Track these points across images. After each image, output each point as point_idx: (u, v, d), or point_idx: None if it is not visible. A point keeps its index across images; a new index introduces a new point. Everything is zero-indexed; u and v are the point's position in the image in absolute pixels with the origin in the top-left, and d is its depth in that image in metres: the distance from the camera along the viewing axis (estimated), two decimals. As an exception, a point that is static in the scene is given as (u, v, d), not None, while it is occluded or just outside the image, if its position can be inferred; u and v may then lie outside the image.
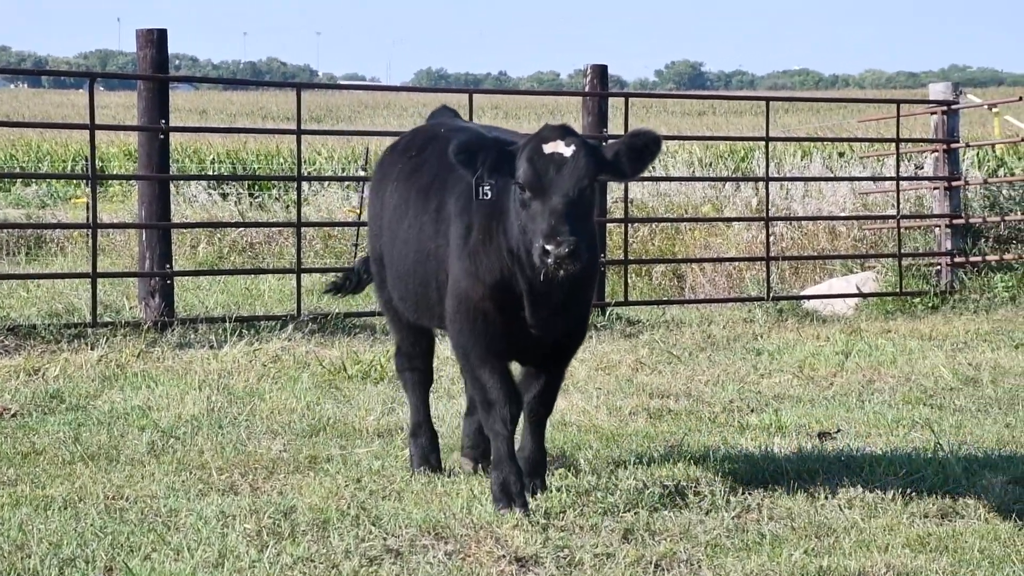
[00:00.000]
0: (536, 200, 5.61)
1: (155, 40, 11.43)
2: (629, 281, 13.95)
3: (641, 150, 5.80)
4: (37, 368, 9.42)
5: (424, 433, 6.78)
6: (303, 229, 14.54)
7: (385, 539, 5.44)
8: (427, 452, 6.75)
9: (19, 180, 28.91)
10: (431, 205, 6.34)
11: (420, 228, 6.37)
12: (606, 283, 13.54)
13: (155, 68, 11.44)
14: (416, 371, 6.91)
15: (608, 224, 13.93)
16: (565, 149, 5.67)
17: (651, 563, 5.20)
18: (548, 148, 5.69)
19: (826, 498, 6.21)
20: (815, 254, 15.93)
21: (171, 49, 11.66)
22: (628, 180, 5.96)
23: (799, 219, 16.15)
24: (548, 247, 5.47)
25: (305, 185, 20.65)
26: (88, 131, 11.41)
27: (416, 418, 6.83)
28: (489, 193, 5.78)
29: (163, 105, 11.48)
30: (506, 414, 5.97)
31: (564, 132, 5.76)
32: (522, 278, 5.83)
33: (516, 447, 6.11)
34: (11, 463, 6.70)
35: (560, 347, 6.12)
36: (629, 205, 14.48)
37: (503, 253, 5.87)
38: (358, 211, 19.09)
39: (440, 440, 6.84)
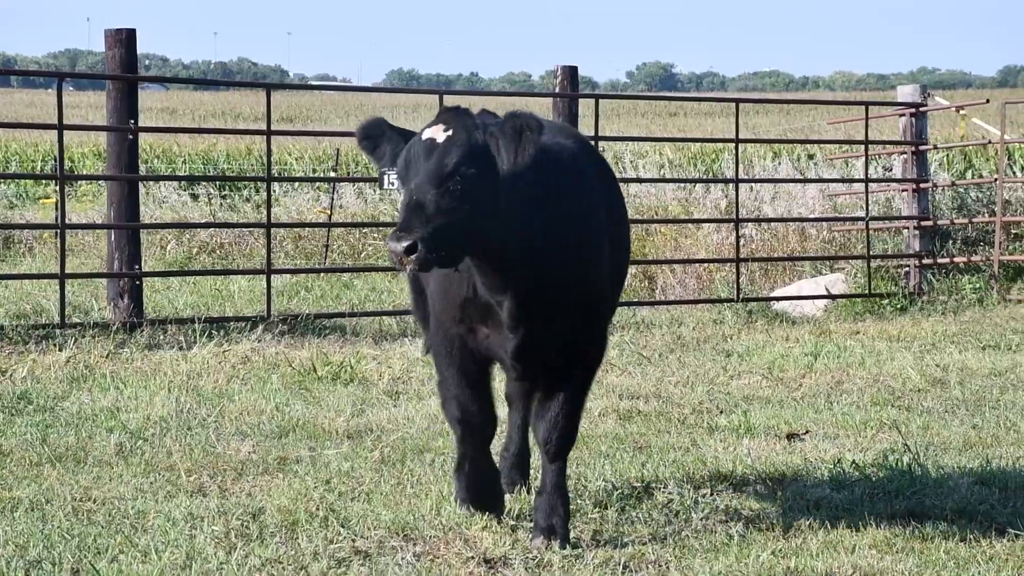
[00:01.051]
0: (404, 191, 5.15)
1: (124, 40, 11.38)
2: (599, 282, 13.96)
3: (517, 135, 5.13)
4: (4, 369, 9.37)
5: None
6: (273, 230, 14.52)
7: (354, 540, 5.43)
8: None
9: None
10: None
11: None
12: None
13: (124, 68, 11.40)
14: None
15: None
16: (440, 135, 5.16)
17: (620, 564, 5.21)
18: (426, 133, 5.20)
19: (794, 499, 6.24)
20: (784, 256, 15.99)
21: (140, 49, 11.63)
22: (508, 169, 5.07)
23: (769, 220, 16.20)
24: (389, 243, 5.01)
25: (276, 186, 20.63)
26: (56, 131, 11.37)
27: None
28: (395, 183, 5.30)
29: (132, 105, 11.44)
30: (473, 420, 5.59)
31: (453, 117, 5.23)
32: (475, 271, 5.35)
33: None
34: (-22, 465, 6.67)
35: (548, 365, 5.52)
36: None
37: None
38: (328, 212, 19.08)
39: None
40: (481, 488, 5.73)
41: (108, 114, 11.53)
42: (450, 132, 5.14)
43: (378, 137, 5.33)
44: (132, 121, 11.40)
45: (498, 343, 5.44)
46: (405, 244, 4.94)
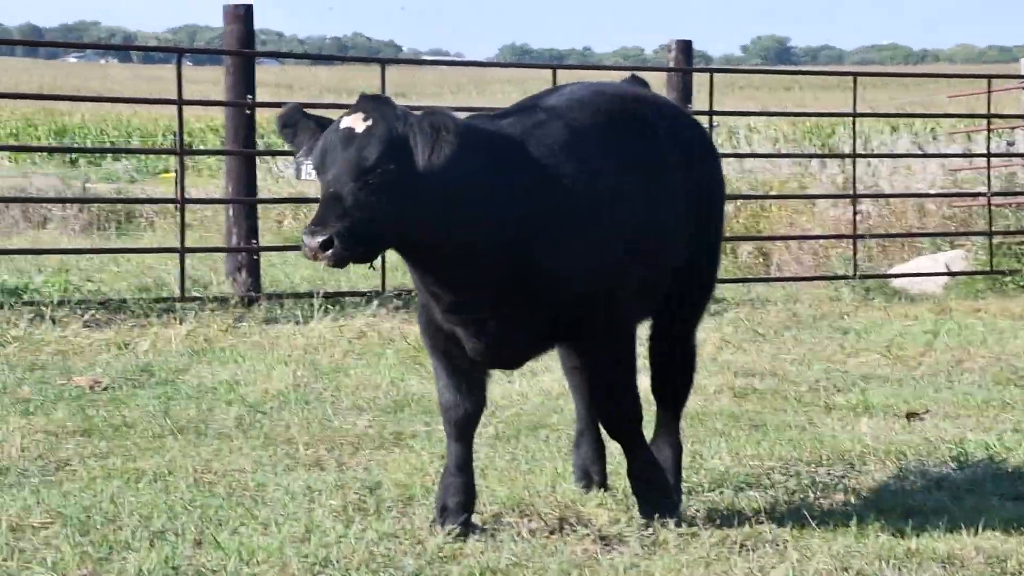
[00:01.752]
0: (321, 182, 4.84)
1: (242, 15, 11.50)
2: (714, 258, 13.87)
3: (434, 133, 4.76)
4: (127, 342, 9.54)
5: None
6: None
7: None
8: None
9: (109, 155, 29.31)
10: None
11: None
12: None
13: (241, 44, 11.52)
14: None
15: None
16: (359, 124, 4.79)
17: (736, 543, 5.16)
18: (344, 122, 4.82)
19: (914, 479, 6.15)
20: (903, 232, 15.75)
21: (257, 24, 11.74)
22: (423, 168, 4.72)
23: (887, 196, 15.96)
24: (304, 237, 4.71)
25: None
26: (176, 106, 11.52)
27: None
28: (312, 174, 4.98)
29: (249, 80, 11.56)
30: (454, 413, 5.26)
31: (373, 106, 4.83)
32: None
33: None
34: (103, 436, 6.80)
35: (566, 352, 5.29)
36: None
37: None
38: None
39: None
40: (445, 491, 5.26)
41: (226, 89, 11.66)
42: (370, 122, 4.78)
43: (295, 125, 5.00)
44: (249, 96, 11.52)
45: (463, 333, 5.11)
46: (320, 240, 4.67)
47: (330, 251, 4.70)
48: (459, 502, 5.23)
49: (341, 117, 4.84)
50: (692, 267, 5.54)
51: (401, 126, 4.78)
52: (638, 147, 5.34)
